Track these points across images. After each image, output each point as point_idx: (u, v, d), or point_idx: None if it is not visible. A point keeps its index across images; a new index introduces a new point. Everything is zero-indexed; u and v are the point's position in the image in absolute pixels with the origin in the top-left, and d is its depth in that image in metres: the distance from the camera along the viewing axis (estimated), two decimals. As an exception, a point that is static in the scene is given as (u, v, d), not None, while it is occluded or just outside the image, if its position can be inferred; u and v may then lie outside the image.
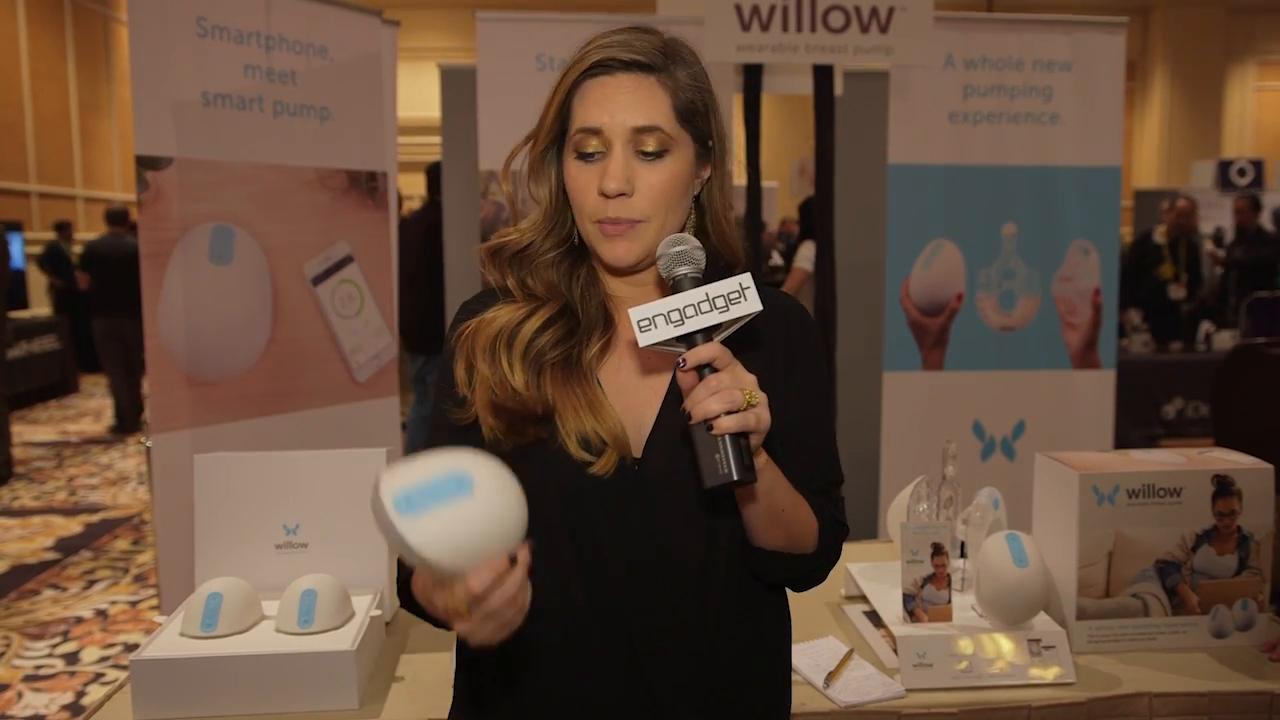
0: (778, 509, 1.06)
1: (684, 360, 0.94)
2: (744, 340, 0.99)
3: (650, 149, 1.06)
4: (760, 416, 0.93)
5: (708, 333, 0.95)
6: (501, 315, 1.10)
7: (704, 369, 0.93)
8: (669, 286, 1.00)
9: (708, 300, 0.94)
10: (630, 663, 1.07)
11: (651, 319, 0.94)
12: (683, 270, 0.99)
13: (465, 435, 1.10)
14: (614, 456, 1.05)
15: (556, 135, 1.10)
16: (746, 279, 0.96)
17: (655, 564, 1.07)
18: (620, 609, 1.06)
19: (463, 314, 1.16)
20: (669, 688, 1.07)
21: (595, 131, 1.05)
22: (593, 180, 1.06)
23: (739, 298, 0.94)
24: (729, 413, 0.91)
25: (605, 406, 1.06)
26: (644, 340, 0.94)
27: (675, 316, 0.94)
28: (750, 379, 0.94)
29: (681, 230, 1.10)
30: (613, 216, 1.06)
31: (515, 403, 1.05)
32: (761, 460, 0.98)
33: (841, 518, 1.16)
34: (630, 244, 1.07)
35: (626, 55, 1.06)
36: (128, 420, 7.40)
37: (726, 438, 0.91)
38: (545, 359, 1.08)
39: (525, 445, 1.06)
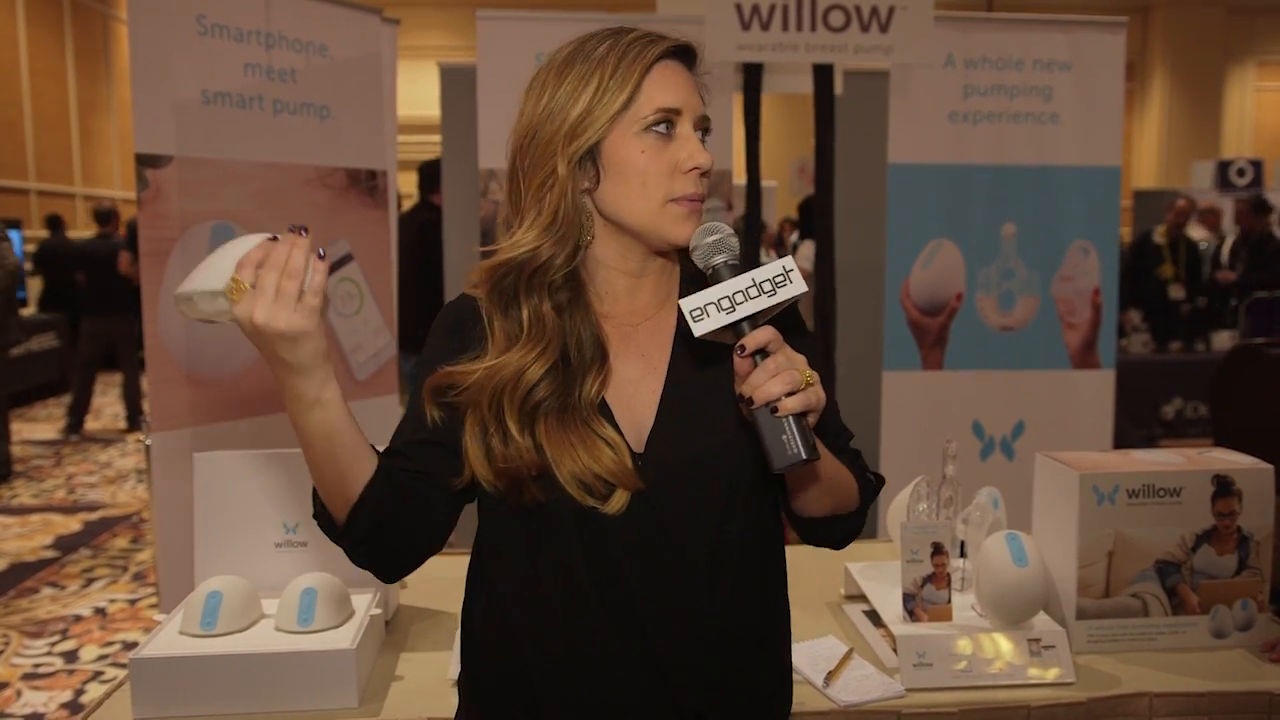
0: (828, 478, 1.09)
1: (743, 346, 0.95)
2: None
3: (704, 134, 1.09)
4: (819, 395, 0.95)
5: (754, 318, 0.96)
6: (510, 362, 1.05)
7: (758, 354, 0.95)
8: (707, 276, 1.01)
9: (755, 285, 0.96)
10: (644, 655, 1.07)
11: (703, 308, 0.95)
12: (721, 258, 1.01)
13: (459, 497, 1.10)
14: (624, 496, 1.04)
15: (612, 121, 1.07)
16: (789, 262, 0.97)
17: (666, 557, 1.07)
18: (632, 602, 1.07)
19: (447, 318, 1.13)
20: (682, 675, 1.08)
21: (676, 112, 1.06)
22: (669, 156, 1.06)
23: (784, 281, 0.96)
24: (790, 394, 0.92)
25: (599, 444, 1.04)
26: (698, 330, 0.95)
27: (726, 304, 0.95)
28: (801, 358, 0.96)
29: None
30: (699, 192, 1.07)
31: (511, 463, 1.04)
32: None
33: (869, 471, 1.20)
34: (697, 222, 1.08)
35: (694, 48, 1.10)
36: (80, 421, 7.44)
37: (791, 419, 0.93)
38: (540, 410, 1.05)
39: (526, 504, 1.05)
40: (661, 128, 1.06)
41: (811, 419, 0.96)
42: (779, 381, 0.92)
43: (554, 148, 1.05)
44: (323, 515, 1.09)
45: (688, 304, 0.95)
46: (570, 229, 1.07)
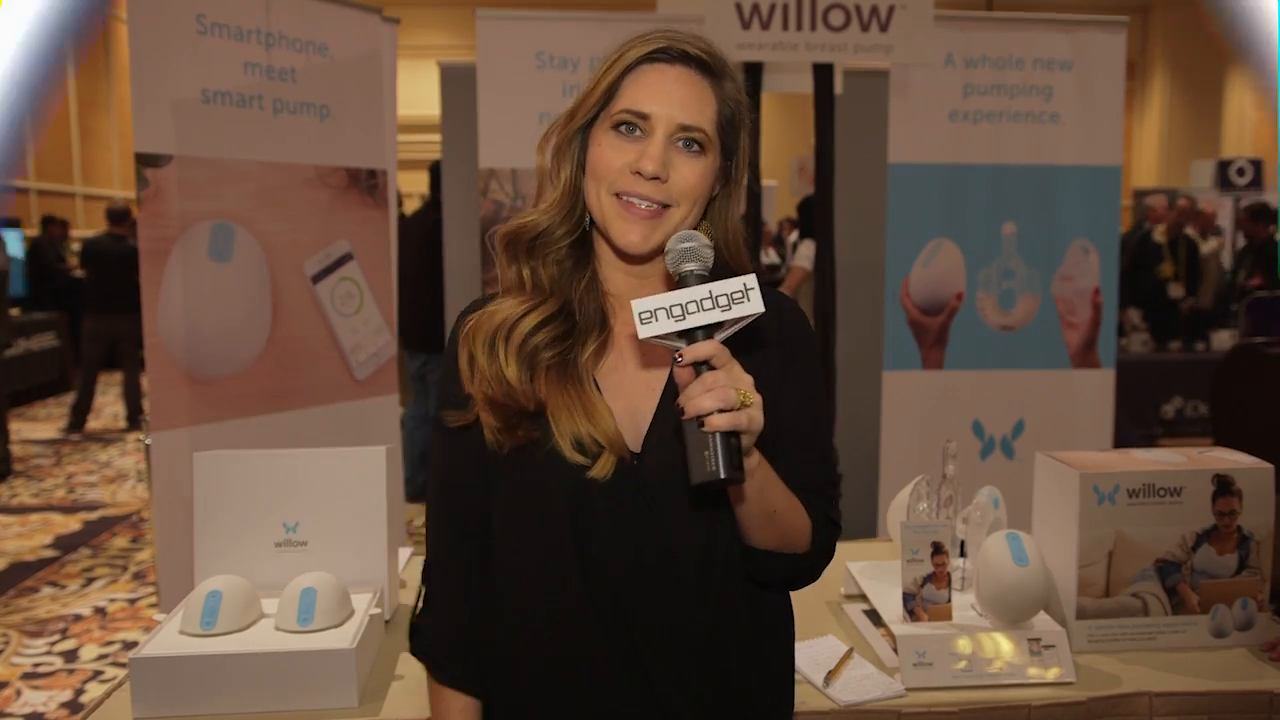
0: (770, 509, 1.06)
1: (680, 355, 0.93)
2: (742, 340, 0.99)
3: (689, 144, 1.07)
4: (753, 417, 0.93)
5: (709, 330, 0.94)
6: (503, 308, 1.10)
7: (702, 366, 0.93)
8: (675, 282, 0.99)
9: (710, 298, 0.94)
10: (631, 660, 1.07)
11: (653, 311, 0.94)
12: (689, 266, 0.98)
13: (464, 436, 1.11)
14: (611, 459, 1.05)
15: (597, 113, 1.10)
16: (751, 280, 0.95)
17: (655, 560, 1.07)
18: (621, 606, 1.06)
19: (466, 315, 1.17)
20: (670, 685, 1.07)
21: (643, 116, 1.06)
22: (625, 155, 1.06)
23: (742, 298, 0.94)
24: (722, 411, 0.91)
25: (599, 409, 1.06)
26: (644, 332, 0.94)
27: (677, 311, 0.94)
28: (747, 379, 0.94)
29: None
30: (643, 192, 1.05)
31: (508, 397, 1.06)
32: (754, 460, 0.98)
33: (835, 516, 1.16)
34: (650, 231, 1.07)
35: (693, 50, 1.08)
36: (82, 420, 7.44)
37: (717, 435, 0.91)
38: (540, 359, 1.08)
39: (521, 447, 1.07)
40: (624, 129, 1.06)
41: (746, 440, 0.94)
42: (712, 397, 0.90)
43: (554, 130, 1.12)
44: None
45: (638, 305, 0.94)
46: (564, 206, 1.12)
